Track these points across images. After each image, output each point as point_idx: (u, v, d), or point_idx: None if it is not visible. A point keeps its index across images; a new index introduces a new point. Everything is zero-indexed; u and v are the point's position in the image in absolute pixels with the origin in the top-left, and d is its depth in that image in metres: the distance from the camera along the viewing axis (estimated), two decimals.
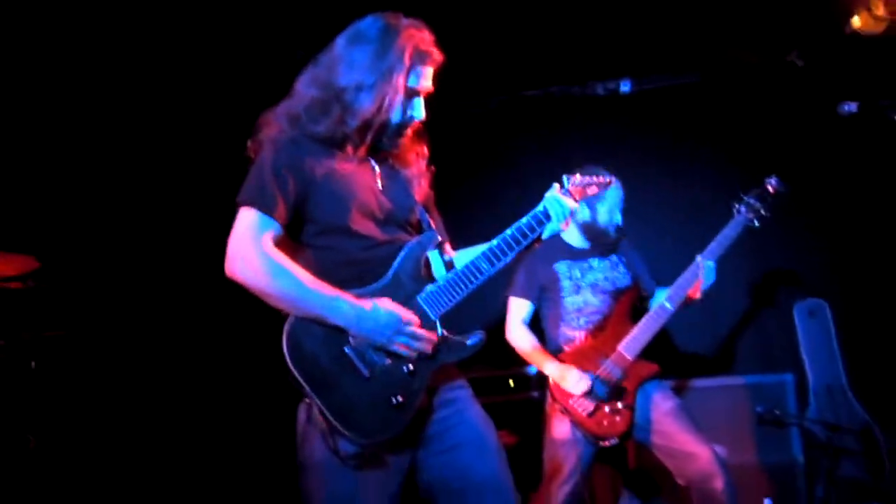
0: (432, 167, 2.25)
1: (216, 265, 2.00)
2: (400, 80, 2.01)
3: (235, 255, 1.94)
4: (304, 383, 1.88)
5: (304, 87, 2.07)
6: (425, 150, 2.22)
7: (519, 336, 3.42)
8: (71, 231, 4.27)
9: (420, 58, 2.05)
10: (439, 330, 2.04)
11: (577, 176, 2.30)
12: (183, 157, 4.42)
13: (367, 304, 1.94)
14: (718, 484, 3.06)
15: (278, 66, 2.40)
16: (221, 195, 2.32)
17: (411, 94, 2.06)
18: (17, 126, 4.12)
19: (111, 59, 4.15)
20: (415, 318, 1.99)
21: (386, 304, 1.96)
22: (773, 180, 3.36)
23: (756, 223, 3.34)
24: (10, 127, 4.10)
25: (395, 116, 2.06)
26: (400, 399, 1.95)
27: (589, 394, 3.17)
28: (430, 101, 2.15)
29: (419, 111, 2.10)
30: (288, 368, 1.88)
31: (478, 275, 2.09)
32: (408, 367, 1.98)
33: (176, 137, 4.41)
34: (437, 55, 2.08)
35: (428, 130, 2.23)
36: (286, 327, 1.91)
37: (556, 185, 2.25)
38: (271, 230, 1.97)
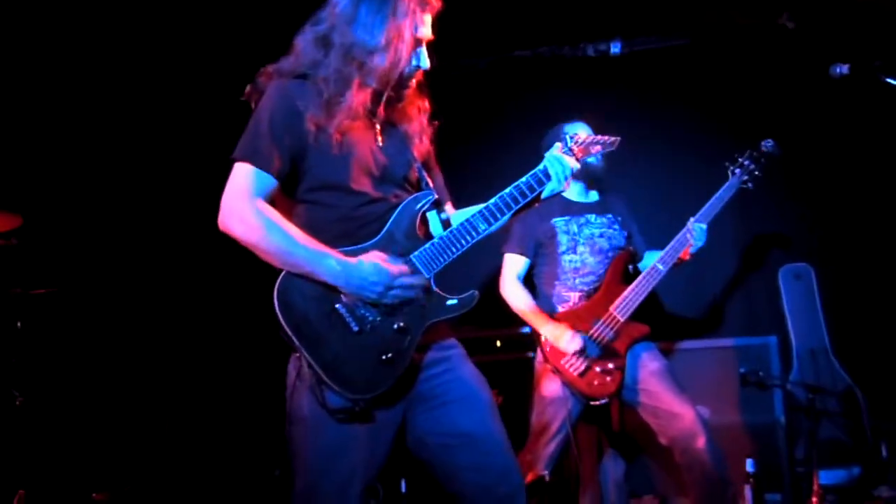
0: (435, 122, 2.21)
1: (205, 218, 1.99)
2: (406, 32, 1.99)
3: (229, 210, 1.93)
4: (293, 337, 1.88)
5: (309, 47, 2.04)
6: (427, 104, 2.19)
7: (513, 292, 3.41)
8: (55, 188, 4.23)
9: (421, 5, 2.02)
10: (433, 286, 2.04)
11: (581, 134, 2.28)
12: (170, 116, 4.37)
13: (354, 260, 1.94)
14: (700, 443, 3.09)
15: (273, 27, 2.36)
16: (210, 150, 2.30)
17: (417, 44, 2.04)
18: None
19: (95, 32, 4.09)
20: (404, 268, 1.98)
21: (372, 258, 1.95)
22: (768, 143, 3.40)
23: (750, 185, 3.39)
24: None
25: (402, 68, 2.03)
26: (390, 355, 1.95)
27: (581, 354, 3.19)
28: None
29: (424, 60, 2.07)
30: (279, 323, 1.89)
31: (474, 233, 2.07)
32: (398, 324, 1.97)
33: (162, 99, 4.36)
34: (436, 1, 2.06)
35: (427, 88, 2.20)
36: (278, 283, 1.91)
37: (558, 144, 2.22)
38: (266, 185, 1.96)
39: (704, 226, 3.29)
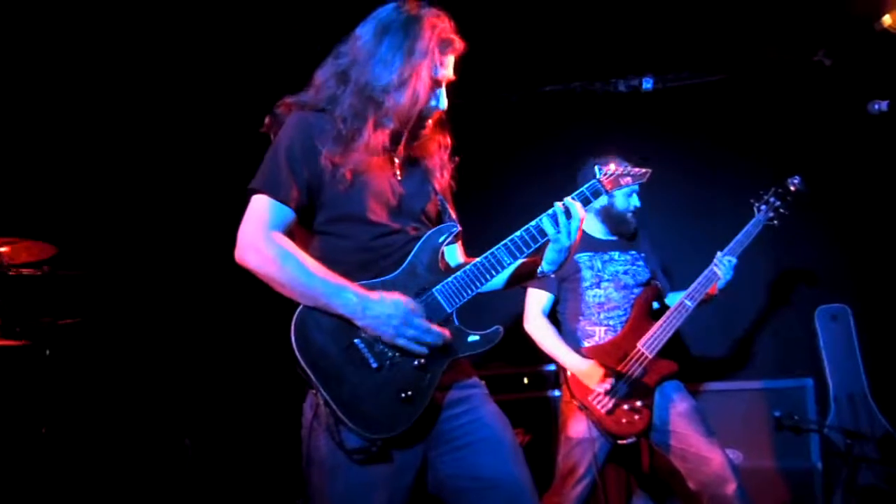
0: (456, 158, 2.19)
1: (228, 255, 1.98)
2: (425, 72, 1.98)
3: (246, 242, 1.92)
4: (310, 373, 1.84)
5: (328, 82, 2.03)
6: (448, 140, 2.17)
7: (538, 327, 3.36)
8: (87, 219, 4.29)
9: (443, 47, 2.01)
10: (455, 322, 1.99)
11: (612, 165, 2.24)
12: (196, 148, 4.43)
13: (375, 295, 1.90)
14: (730, 489, 3.01)
15: (294, 57, 2.38)
16: (235, 185, 2.31)
17: (436, 85, 2.03)
18: (32, 116, 4.15)
19: (122, 54, 4.16)
20: (420, 311, 1.93)
21: (394, 296, 1.91)
22: (795, 179, 3.38)
23: (776, 222, 3.36)
24: (26, 117, 4.13)
25: (425, 109, 2.02)
26: (409, 393, 1.90)
27: (609, 391, 3.12)
28: (450, 95, 2.11)
29: (442, 101, 2.06)
30: (295, 358, 1.85)
31: (498, 267, 2.03)
32: (418, 361, 1.93)
33: (190, 129, 4.42)
34: (459, 44, 2.05)
35: (449, 123, 2.18)
36: (295, 316, 1.88)
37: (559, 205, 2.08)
38: (284, 217, 1.94)
39: (734, 259, 3.27)
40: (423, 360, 1.93)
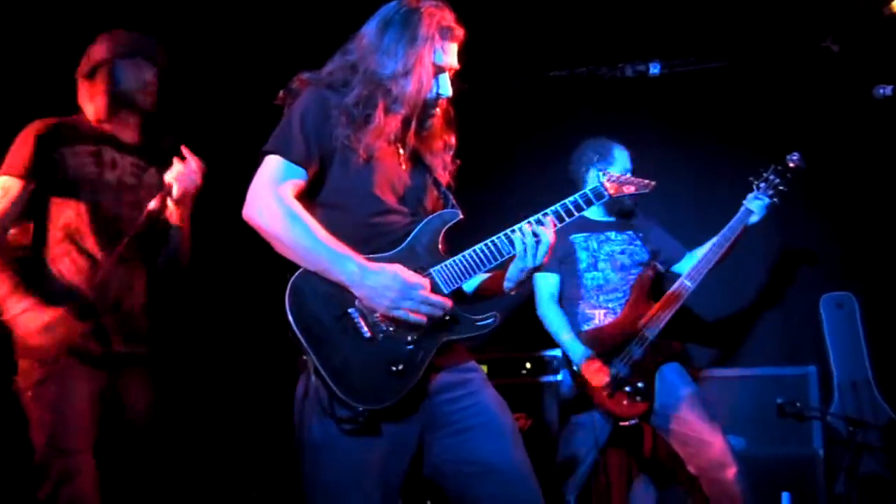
0: (458, 161, 2.22)
1: (224, 224, 1.97)
2: (427, 59, 2.04)
3: (255, 199, 1.95)
4: (301, 338, 1.86)
5: (339, 69, 2.08)
6: (453, 140, 2.21)
7: (550, 312, 3.36)
8: None
9: (442, 34, 2.07)
10: (452, 305, 1.99)
11: (616, 171, 2.25)
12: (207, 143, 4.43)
13: (376, 266, 1.92)
14: (730, 474, 3.02)
15: (304, 52, 2.39)
16: (236, 162, 2.32)
17: (438, 71, 2.07)
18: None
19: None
20: (426, 282, 1.95)
21: (396, 269, 1.93)
22: (794, 156, 3.34)
23: (777, 200, 3.33)
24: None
25: (430, 96, 2.07)
26: (400, 367, 1.91)
27: (610, 380, 3.13)
28: (453, 81, 2.14)
29: (445, 88, 2.10)
30: (288, 323, 1.86)
31: (497, 256, 2.04)
32: (411, 336, 1.94)
33: (202, 127, 4.42)
34: (459, 31, 2.11)
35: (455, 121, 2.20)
36: (291, 281, 1.89)
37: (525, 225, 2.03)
38: (294, 178, 1.97)
39: (766, 199, 3.25)
40: (415, 335, 1.94)
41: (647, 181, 2.24)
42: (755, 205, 3.24)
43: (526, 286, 2.18)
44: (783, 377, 3.91)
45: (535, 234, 2.01)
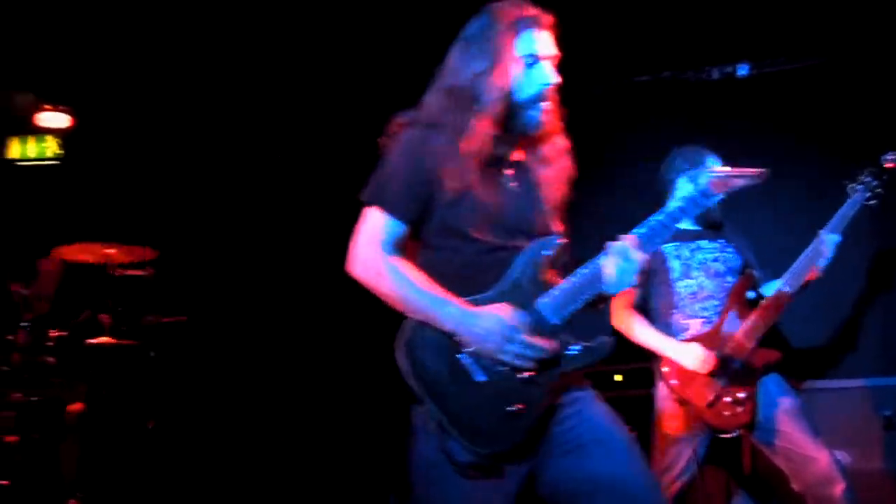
0: (574, 168, 2.16)
1: (335, 261, 2.02)
2: (509, 52, 2.00)
3: (360, 258, 1.97)
4: (419, 389, 1.86)
5: (434, 99, 2.08)
6: (567, 144, 2.14)
7: (630, 321, 3.28)
8: (189, 223, 4.44)
9: (523, 24, 2.03)
10: (563, 335, 1.95)
11: (719, 165, 2.15)
12: (301, 149, 4.52)
13: (476, 310, 1.90)
14: (837, 490, 2.89)
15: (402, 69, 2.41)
16: (340, 189, 2.35)
17: (530, 61, 2.02)
18: (132, 124, 4.32)
19: (226, 60, 4.29)
20: (528, 321, 1.90)
21: (497, 310, 1.90)
22: (889, 155, 3.22)
23: (874, 202, 3.21)
24: (126, 126, 4.30)
25: (523, 91, 2.02)
26: (518, 407, 1.88)
27: (710, 381, 3.04)
28: None
29: (545, 76, 2.03)
30: (403, 373, 1.87)
31: (600, 279, 1.96)
32: (526, 375, 1.90)
33: (292, 131, 4.52)
34: (545, 18, 2.06)
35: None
36: (403, 336, 1.90)
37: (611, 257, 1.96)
38: (397, 232, 1.98)
39: (838, 237, 3.13)
40: (530, 373, 1.90)
41: (757, 170, 2.04)
42: (827, 246, 3.12)
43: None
44: (890, 388, 3.74)
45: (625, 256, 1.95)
